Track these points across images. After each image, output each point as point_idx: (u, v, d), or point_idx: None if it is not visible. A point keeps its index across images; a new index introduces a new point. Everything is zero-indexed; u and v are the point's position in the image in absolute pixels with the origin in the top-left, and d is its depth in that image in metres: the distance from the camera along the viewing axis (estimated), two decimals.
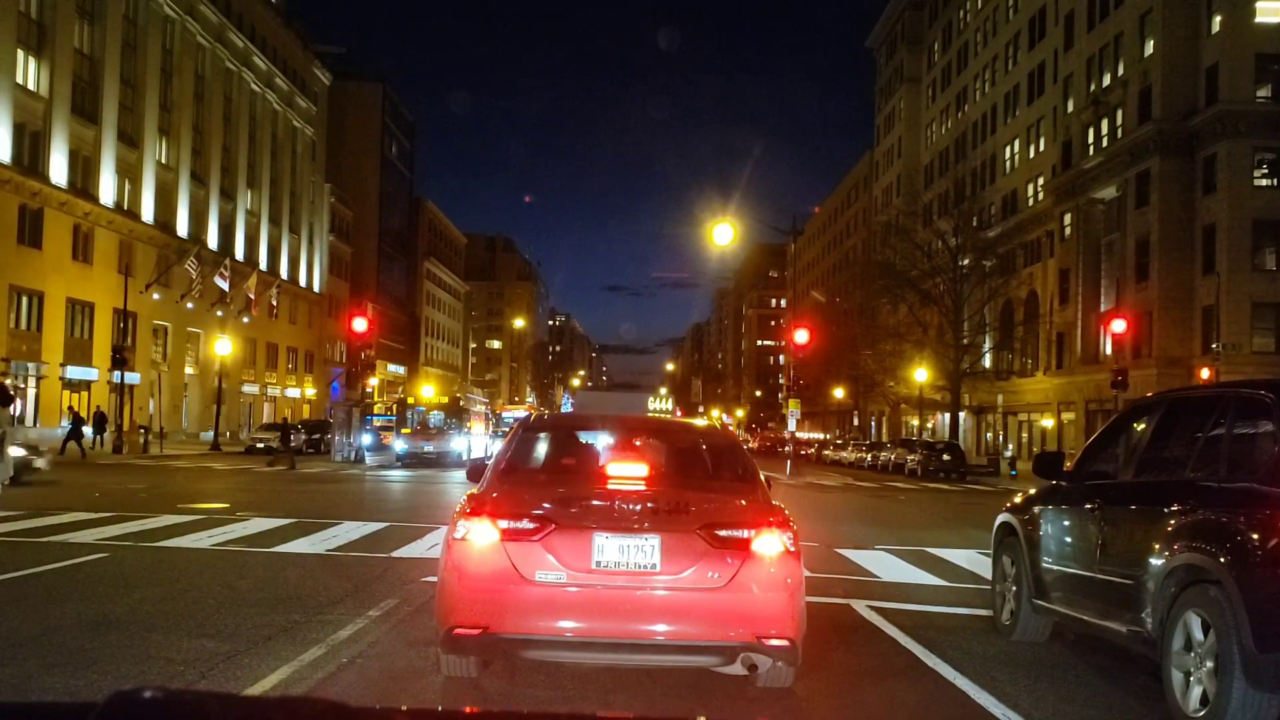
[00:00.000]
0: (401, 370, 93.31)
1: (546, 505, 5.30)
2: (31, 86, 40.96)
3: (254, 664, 6.02)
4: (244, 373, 60.20)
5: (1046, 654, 7.19)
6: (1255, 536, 4.97)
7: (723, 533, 5.17)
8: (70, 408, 39.58)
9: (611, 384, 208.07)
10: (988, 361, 56.74)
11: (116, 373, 37.78)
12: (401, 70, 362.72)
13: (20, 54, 40.16)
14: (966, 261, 53.99)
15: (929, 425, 66.39)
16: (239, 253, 58.82)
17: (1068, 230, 52.77)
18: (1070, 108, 53.52)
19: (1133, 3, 47.24)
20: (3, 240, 38.84)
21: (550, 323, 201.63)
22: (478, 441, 40.19)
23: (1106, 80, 49.86)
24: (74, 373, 43.13)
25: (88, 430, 40.35)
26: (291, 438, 34.60)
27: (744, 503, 5.53)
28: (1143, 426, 6.95)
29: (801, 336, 40.08)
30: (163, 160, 51.28)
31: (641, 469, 5.60)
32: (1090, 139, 50.87)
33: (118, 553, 10.57)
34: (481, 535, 5.18)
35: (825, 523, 17.17)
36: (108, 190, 45.63)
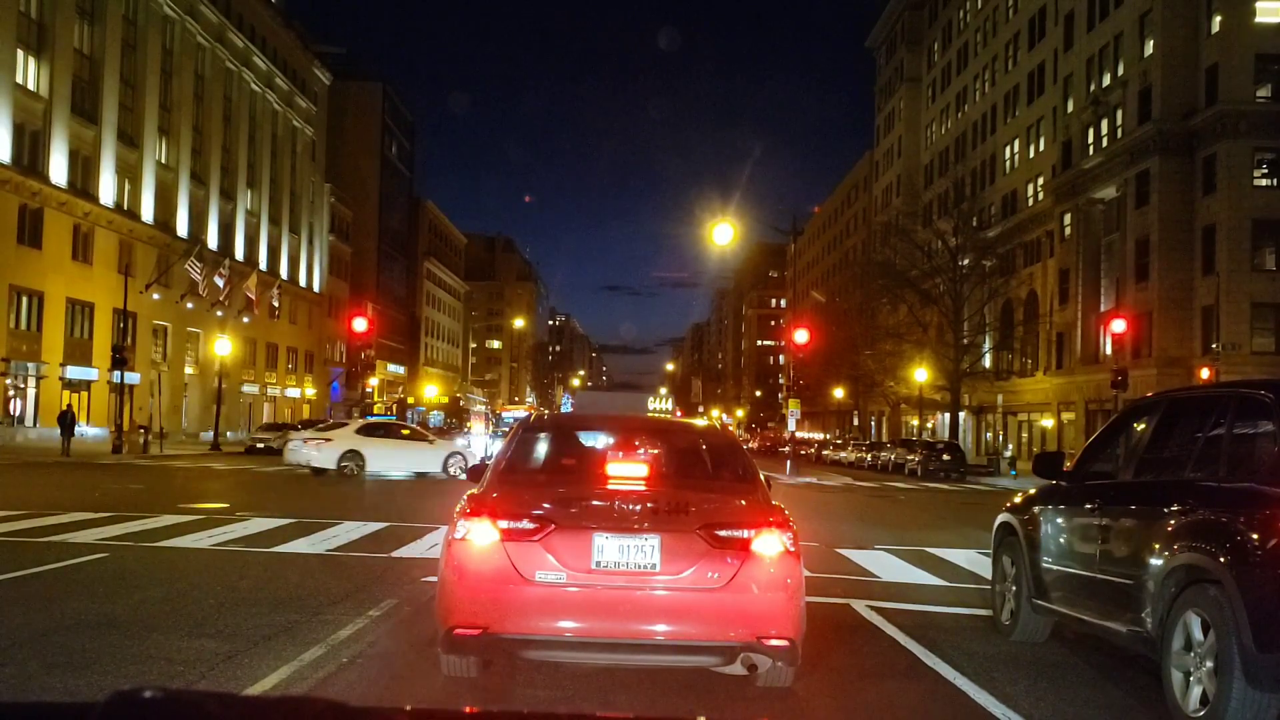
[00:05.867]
0: (401, 370, 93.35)
1: (546, 505, 5.30)
2: (31, 86, 40.96)
3: (254, 664, 6.02)
4: (244, 373, 60.21)
5: (1046, 654, 7.19)
6: (1255, 536, 4.97)
7: (722, 533, 5.17)
8: None
9: (611, 384, 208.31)
10: (988, 361, 56.74)
11: (116, 373, 37.78)
12: (401, 70, 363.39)
13: (20, 54, 40.17)
14: (966, 261, 53.99)
15: (929, 425, 66.40)
16: (239, 253, 58.82)
17: (1068, 230, 52.78)
18: (1070, 108, 53.52)
19: (1133, 3, 47.24)
20: (3, 240, 38.84)
21: (550, 323, 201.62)
22: (477, 441, 40.19)
23: (1106, 80, 49.86)
24: (74, 373, 43.12)
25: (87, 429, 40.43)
26: (74, 427, 34.17)
27: (744, 503, 5.53)
28: (1142, 426, 6.95)
29: (801, 336, 40.04)
30: (162, 160, 51.28)
31: (641, 469, 5.60)
32: (1090, 139, 50.87)
33: (118, 553, 10.56)
34: (481, 535, 5.18)
35: (825, 523, 17.16)
36: (107, 190, 45.63)
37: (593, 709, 5.59)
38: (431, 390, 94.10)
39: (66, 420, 33.95)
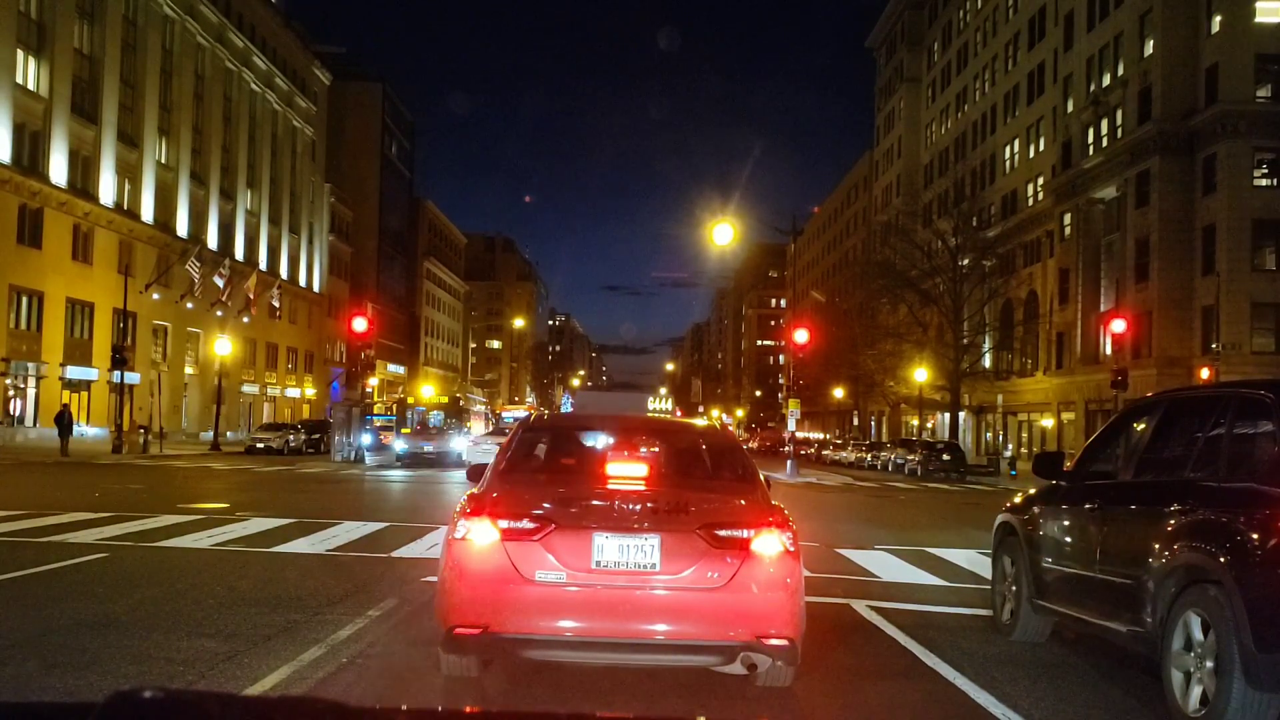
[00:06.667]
0: (401, 370, 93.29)
1: (546, 505, 5.30)
2: (31, 86, 40.95)
3: (254, 664, 6.02)
4: (244, 373, 60.21)
5: (1046, 654, 7.19)
6: (1255, 536, 4.97)
7: (722, 533, 5.17)
8: None
9: (611, 384, 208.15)
10: (988, 361, 56.75)
11: (116, 373, 37.77)
12: (401, 70, 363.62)
13: (20, 54, 40.17)
14: (966, 261, 54.00)
15: (929, 425, 66.40)
16: (239, 253, 58.82)
17: (1068, 230, 52.79)
18: (1070, 108, 53.52)
19: (1133, 3, 47.24)
20: (3, 240, 38.84)
21: (550, 323, 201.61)
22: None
23: (1106, 80, 49.86)
24: (74, 373, 43.11)
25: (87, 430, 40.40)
26: (71, 425, 34.23)
27: (744, 503, 5.53)
28: (1142, 426, 6.95)
29: (801, 336, 40.02)
30: (162, 160, 51.28)
31: (641, 469, 5.60)
32: (1090, 139, 50.88)
33: (118, 553, 10.57)
34: (481, 535, 5.18)
35: (825, 523, 17.17)
36: (107, 190, 45.62)
37: (593, 709, 5.59)
38: (428, 390, 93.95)
39: (64, 420, 33.89)
